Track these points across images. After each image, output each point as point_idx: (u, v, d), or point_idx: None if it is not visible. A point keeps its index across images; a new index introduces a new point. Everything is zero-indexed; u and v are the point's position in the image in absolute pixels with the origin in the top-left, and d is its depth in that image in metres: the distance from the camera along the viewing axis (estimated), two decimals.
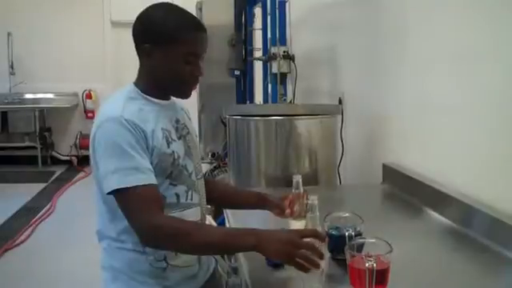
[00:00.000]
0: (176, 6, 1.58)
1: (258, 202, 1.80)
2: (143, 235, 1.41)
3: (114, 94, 1.61)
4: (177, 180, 1.55)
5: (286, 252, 1.32)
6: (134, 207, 1.41)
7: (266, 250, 1.36)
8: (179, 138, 1.60)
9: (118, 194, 1.41)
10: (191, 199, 1.59)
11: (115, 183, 1.40)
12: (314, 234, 1.36)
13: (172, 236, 1.41)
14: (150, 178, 1.44)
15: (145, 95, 1.57)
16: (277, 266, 1.55)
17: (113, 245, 1.56)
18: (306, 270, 1.31)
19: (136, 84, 1.60)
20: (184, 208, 1.56)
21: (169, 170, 1.52)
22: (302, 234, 1.36)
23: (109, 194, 1.43)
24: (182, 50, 1.50)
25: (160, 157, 1.49)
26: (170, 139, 1.54)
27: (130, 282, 1.55)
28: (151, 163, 1.47)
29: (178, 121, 1.64)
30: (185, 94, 1.60)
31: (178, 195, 1.55)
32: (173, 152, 1.54)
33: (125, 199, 1.42)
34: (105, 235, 1.59)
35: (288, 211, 1.65)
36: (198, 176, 1.65)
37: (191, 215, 1.57)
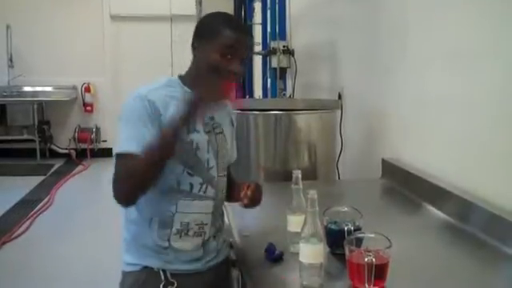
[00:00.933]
0: (230, 15, 1.72)
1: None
2: (118, 197, 1.52)
3: (154, 80, 1.68)
4: (193, 170, 1.61)
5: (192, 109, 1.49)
6: (120, 172, 1.53)
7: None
8: (206, 132, 1.64)
9: (117, 157, 1.54)
10: (205, 192, 1.64)
11: (118, 149, 1.53)
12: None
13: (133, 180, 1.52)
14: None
15: (183, 86, 1.64)
16: (276, 260, 1.55)
17: (126, 217, 1.67)
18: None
19: (180, 76, 1.68)
20: (195, 198, 1.62)
21: (184, 157, 1.58)
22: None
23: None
24: (219, 41, 1.56)
25: None
26: (191, 128, 1.58)
27: (137, 252, 1.65)
28: None
29: (212, 118, 1.68)
30: (221, 92, 1.62)
31: (192, 185, 1.61)
32: (191, 141, 1.59)
33: (120, 162, 1.53)
34: (124, 209, 1.67)
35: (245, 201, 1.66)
36: (219, 173, 1.68)
37: (202, 207, 1.64)
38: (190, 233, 1.63)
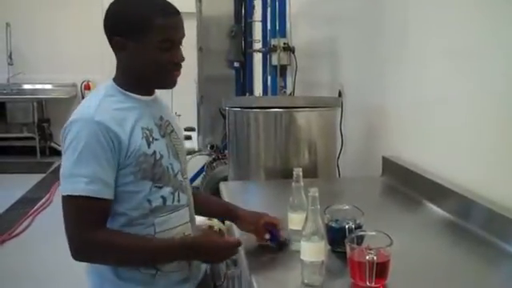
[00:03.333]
0: None
1: (226, 215, 1.79)
2: (71, 248, 1.39)
3: (92, 92, 1.55)
4: (161, 181, 1.47)
5: (226, 257, 1.56)
6: (71, 218, 1.39)
7: (205, 261, 1.58)
8: (163, 136, 1.52)
9: (63, 198, 1.38)
10: (178, 201, 1.52)
11: (65, 189, 1.37)
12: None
13: (101, 254, 1.41)
14: (100, 191, 1.36)
15: (124, 91, 1.49)
16: (281, 245, 1.57)
17: None
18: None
19: (115, 80, 1.52)
20: (171, 211, 1.50)
21: (151, 172, 1.45)
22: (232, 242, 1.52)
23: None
24: (155, 38, 1.42)
25: (139, 158, 1.42)
26: (150, 138, 1.46)
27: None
28: (127, 165, 1.41)
29: (161, 118, 1.56)
30: (168, 84, 1.52)
31: (164, 198, 1.48)
32: (154, 152, 1.46)
33: (67, 207, 1.39)
34: None
35: (266, 236, 1.61)
36: (184, 176, 1.58)
37: (179, 218, 1.53)
38: None
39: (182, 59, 1.49)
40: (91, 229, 1.37)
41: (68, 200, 1.37)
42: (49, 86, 7.91)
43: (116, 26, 1.46)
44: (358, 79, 3.18)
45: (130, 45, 1.44)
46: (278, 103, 2.75)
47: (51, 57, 7.75)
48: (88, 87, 7.97)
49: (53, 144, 8.00)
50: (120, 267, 1.47)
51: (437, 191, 2.05)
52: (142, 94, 1.52)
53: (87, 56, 7.80)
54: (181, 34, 1.49)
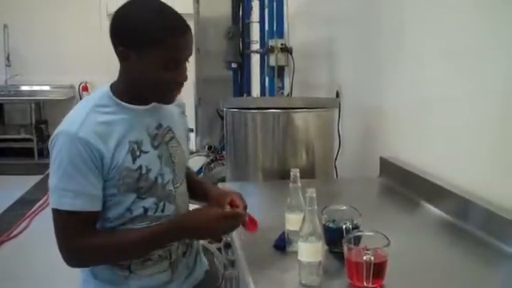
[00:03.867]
0: (157, 4, 1.42)
1: (202, 196, 1.71)
2: (65, 258, 1.41)
3: (85, 98, 1.52)
4: (146, 193, 1.46)
5: (224, 230, 1.48)
6: (60, 230, 1.40)
7: (198, 238, 1.54)
8: (156, 147, 1.49)
9: (52, 209, 1.40)
10: (162, 211, 1.49)
11: (52, 202, 1.38)
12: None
13: (94, 257, 1.44)
14: (84, 204, 1.38)
15: (118, 101, 1.45)
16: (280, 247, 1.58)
17: None
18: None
19: (112, 87, 1.48)
20: (151, 221, 1.47)
21: (135, 185, 1.43)
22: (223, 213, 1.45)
23: None
24: (161, 56, 1.37)
25: (122, 172, 1.41)
26: (137, 153, 1.43)
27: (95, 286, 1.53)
28: (111, 179, 1.40)
29: (159, 126, 1.52)
30: (166, 101, 1.50)
31: (145, 208, 1.46)
32: (139, 167, 1.43)
33: (56, 219, 1.40)
34: None
35: (227, 207, 1.52)
36: (176, 184, 1.54)
37: None
38: (154, 258, 1.50)
39: (186, 78, 1.45)
40: (77, 238, 1.39)
41: (55, 212, 1.39)
42: (46, 88, 7.91)
43: (122, 36, 1.41)
44: (356, 80, 3.18)
45: (133, 57, 1.40)
46: (275, 104, 2.75)
47: (49, 58, 7.75)
48: (86, 88, 7.97)
49: None
50: (115, 263, 1.48)
51: (434, 192, 2.05)
52: (137, 104, 1.48)
53: (85, 57, 7.80)
54: (188, 52, 1.44)
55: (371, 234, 1.38)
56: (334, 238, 1.51)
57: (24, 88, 7.87)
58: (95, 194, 1.39)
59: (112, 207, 1.44)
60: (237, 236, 1.73)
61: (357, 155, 3.07)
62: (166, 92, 1.45)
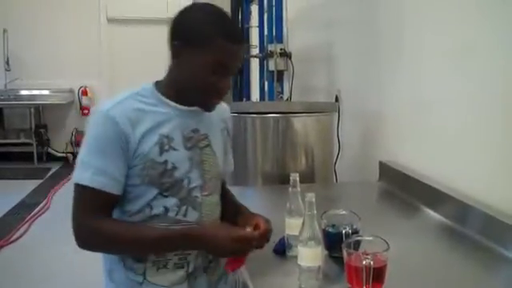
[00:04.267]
0: (219, 10, 1.45)
1: (233, 217, 1.59)
2: (75, 236, 1.38)
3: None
4: (168, 191, 1.43)
5: (233, 251, 1.38)
6: (75, 205, 1.39)
7: (209, 251, 1.44)
8: (188, 149, 1.46)
9: (74, 185, 1.39)
10: (184, 215, 1.45)
11: (74, 175, 1.38)
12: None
13: (102, 243, 1.41)
14: (104, 184, 1.36)
15: (160, 95, 1.46)
16: (280, 252, 1.58)
17: None
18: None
19: (157, 83, 1.49)
20: (171, 223, 1.43)
21: (158, 180, 1.41)
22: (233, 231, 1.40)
23: None
24: (211, 57, 1.37)
25: (146, 163, 1.39)
26: (166, 147, 1.42)
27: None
28: (135, 166, 1.39)
29: (196, 130, 1.49)
30: (205, 106, 1.47)
31: (166, 208, 1.43)
32: (165, 162, 1.41)
33: (74, 193, 1.40)
34: None
35: (249, 228, 1.45)
36: (204, 192, 1.50)
37: None
38: (170, 265, 1.46)
39: (227, 89, 1.45)
40: (89, 216, 1.38)
41: (75, 186, 1.39)
42: (46, 92, 7.89)
43: (179, 32, 1.42)
44: (355, 84, 3.19)
45: (184, 53, 1.41)
46: (274, 108, 2.76)
47: (48, 63, 7.75)
48: (85, 93, 7.96)
49: (50, 150, 7.99)
50: (120, 255, 1.46)
51: (434, 196, 2.06)
52: (179, 103, 1.47)
53: (84, 62, 7.81)
54: (237, 63, 1.44)
55: (371, 238, 1.38)
56: (333, 242, 1.51)
57: (23, 92, 7.85)
58: (117, 176, 1.38)
59: (133, 200, 1.42)
60: None
61: (356, 159, 3.08)
62: (207, 97, 1.44)
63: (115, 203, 1.42)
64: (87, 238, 1.40)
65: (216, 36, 1.37)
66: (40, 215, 5.35)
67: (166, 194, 1.43)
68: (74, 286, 3.71)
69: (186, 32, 1.40)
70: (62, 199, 5.90)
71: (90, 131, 1.38)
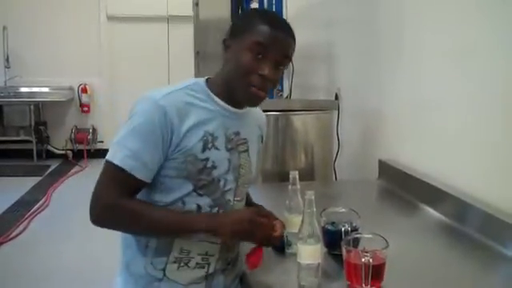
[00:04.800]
0: (270, 11, 1.50)
1: None
2: (91, 208, 1.38)
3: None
4: (203, 189, 1.42)
5: (244, 231, 1.38)
6: (100, 180, 1.38)
7: (221, 235, 1.39)
8: (228, 150, 1.46)
9: (104, 162, 1.38)
10: None
11: (108, 154, 1.38)
12: (269, 213, 1.47)
13: (121, 217, 1.39)
14: (135, 168, 1.35)
15: (210, 93, 1.46)
16: (279, 248, 1.58)
17: (122, 240, 1.51)
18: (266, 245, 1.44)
19: (208, 79, 1.50)
20: None
21: (196, 176, 1.40)
22: (259, 212, 1.44)
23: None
24: (250, 37, 1.39)
25: (188, 157, 1.38)
26: (209, 145, 1.41)
27: (126, 282, 1.49)
28: (174, 159, 1.38)
29: (237, 133, 1.49)
30: (248, 98, 1.43)
31: (199, 206, 1.42)
32: (206, 159, 1.40)
33: (103, 170, 1.39)
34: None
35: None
36: (236, 197, 1.50)
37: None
38: (191, 264, 1.44)
39: (271, 78, 1.41)
40: (110, 193, 1.37)
41: (105, 163, 1.38)
42: (46, 89, 7.88)
43: (229, 29, 1.48)
44: (355, 82, 3.19)
45: (231, 46, 1.44)
46: (274, 106, 2.75)
47: (48, 60, 7.74)
48: (85, 90, 7.95)
49: (49, 147, 7.98)
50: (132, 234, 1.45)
51: (433, 194, 2.06)
52: (229, 104, 1.47)
53: (84, 59, 7.79)
54: (278, 50, 1.41)
55: (370, 236, 1.39)
56: (332, 240, 1.52)
57: (23, 90, 7.84)
58: (149, 164, 1.37)
59: (164, 192, 1.42)
60: None
61: (356, 157, 3.08)
62: (244, 82, 1.40)
63: (140, 189, 1.41)
64: (104, 212, 1.38)
65: (257, 22, 1.40)
66: (39, 212, 5.35)
67: (200, 192, 1.42)
68: (73, 283, 3.71)
69: (234, 27, 1.48)
70: (62, 196, 5.91)
71: (136, 117, 1.37)
